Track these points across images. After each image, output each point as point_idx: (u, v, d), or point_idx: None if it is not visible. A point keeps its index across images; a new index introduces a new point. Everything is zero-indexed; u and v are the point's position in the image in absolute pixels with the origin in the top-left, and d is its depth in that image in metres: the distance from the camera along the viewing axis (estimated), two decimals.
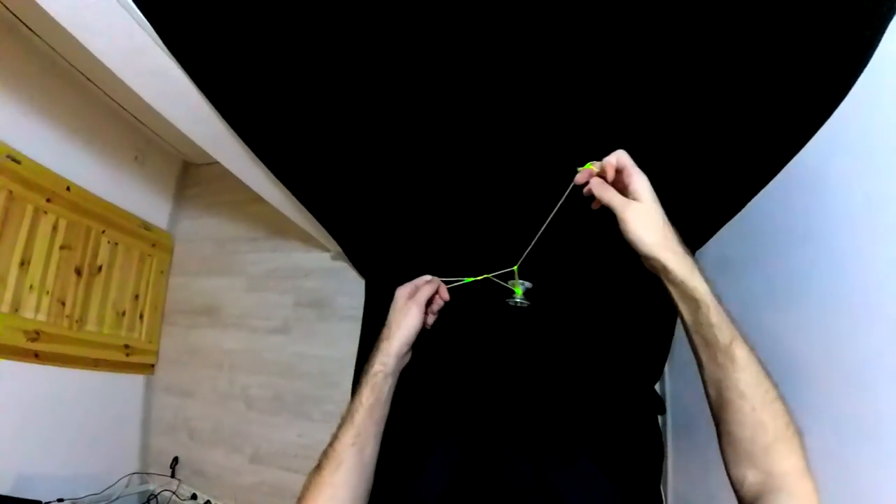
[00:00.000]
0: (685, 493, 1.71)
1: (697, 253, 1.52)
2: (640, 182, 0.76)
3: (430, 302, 0.98)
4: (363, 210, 1.64)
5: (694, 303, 0.71)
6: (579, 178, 0.83)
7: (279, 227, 2.64)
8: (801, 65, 0.80)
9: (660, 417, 1.79)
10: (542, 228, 0.94)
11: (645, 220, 0.74)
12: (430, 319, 1.00)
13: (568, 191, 0.86)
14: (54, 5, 0.87)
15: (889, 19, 0.72)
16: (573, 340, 1.54)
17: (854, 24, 0.73)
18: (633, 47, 0.88)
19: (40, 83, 2.22)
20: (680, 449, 1.79)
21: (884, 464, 0.86)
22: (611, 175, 0.80)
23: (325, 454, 0.82)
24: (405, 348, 0.91)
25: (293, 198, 1.53)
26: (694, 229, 1.36)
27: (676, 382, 1.86)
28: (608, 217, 0.81)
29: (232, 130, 1.19)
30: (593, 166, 0.82)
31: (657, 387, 1.85)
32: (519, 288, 1.03)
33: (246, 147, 1.27)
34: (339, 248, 2.12)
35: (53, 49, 2.20)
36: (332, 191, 1.56)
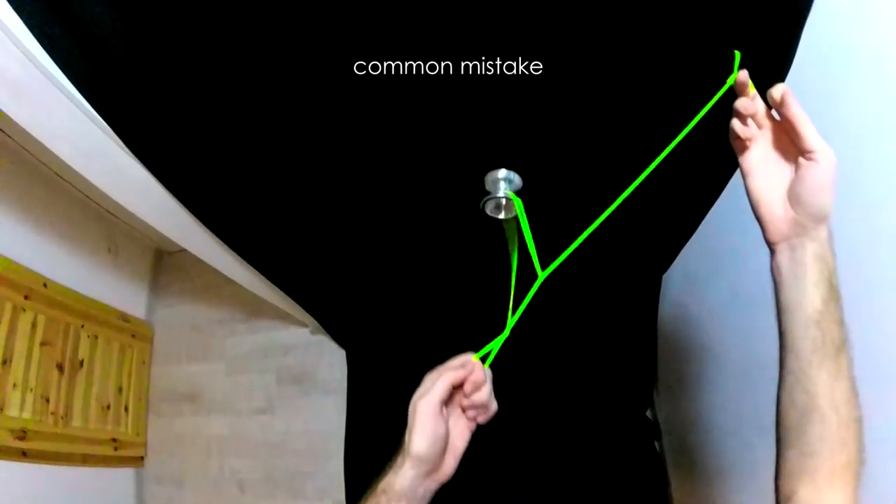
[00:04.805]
0: None
1: (665, 274, 1.57)
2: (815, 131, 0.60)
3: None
4: (336, 284, 1.67)
5: (831, 291, 0.61)
6: (742, 76, 0.65)
7: (255, 307, 2.64)
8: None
9: (656, 443, 1.80)
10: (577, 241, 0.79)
11: (833, 175, 0.59)
12: (468, 420, 0.73)
13: (722, 90, 0.68)
14: (20, 114, 0.92)
15: None
16: (562, 378, 1.56)
17: None
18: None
19: (10, 180, 2.25)
20: (682, 471, 1.80)
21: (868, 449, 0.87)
22: (791, 104, 0.60)
23: None
24: (425, 466, 0.66)
25: (265, 279, 1.56)
26: (666, 243, 1.40)
27: (666, 406, 1.88)
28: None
29: (198, 221, 1.23)
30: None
31: (648, 413, 1.86)
32: (513, 194, 0.93)
33: (214, 235, 1.31)
34: (316, 323, 2.14)
35: (22, 147, 2.24)
36: (304, 269, 1.59)
